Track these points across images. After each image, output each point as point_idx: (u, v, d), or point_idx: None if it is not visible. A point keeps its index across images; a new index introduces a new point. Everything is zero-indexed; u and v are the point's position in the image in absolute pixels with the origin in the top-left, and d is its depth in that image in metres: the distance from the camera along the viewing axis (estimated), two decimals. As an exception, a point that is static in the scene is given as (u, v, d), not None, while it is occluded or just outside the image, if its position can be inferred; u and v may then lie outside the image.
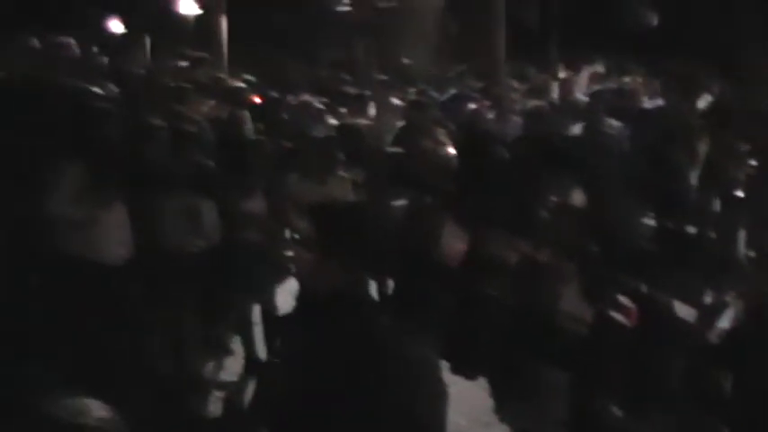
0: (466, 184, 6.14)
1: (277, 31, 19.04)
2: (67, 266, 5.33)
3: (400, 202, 6.23)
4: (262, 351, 6.84)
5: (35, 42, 7.58)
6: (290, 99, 10.25)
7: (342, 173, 6.94)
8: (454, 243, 5.60)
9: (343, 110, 9.99)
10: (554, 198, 5.57)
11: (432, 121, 8.53)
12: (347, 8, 15.55)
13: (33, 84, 5.74)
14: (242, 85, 9.71)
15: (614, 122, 7.72)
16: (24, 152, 5.08)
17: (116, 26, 27.60)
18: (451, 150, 7.10)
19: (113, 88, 6.78)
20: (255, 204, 6.79)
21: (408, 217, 5.95)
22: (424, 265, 5.61)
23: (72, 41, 7.64)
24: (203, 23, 18.05)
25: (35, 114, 5.23)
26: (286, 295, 6.63)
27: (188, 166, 6.13)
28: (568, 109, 9.18)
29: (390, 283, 6.23)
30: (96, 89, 5.81)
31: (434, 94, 11.78)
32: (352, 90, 11.29)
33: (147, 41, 11.24)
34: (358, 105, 10.08)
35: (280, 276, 7.18)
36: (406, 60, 16.49)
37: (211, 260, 6.23)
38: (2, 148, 4.99)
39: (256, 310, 7.02)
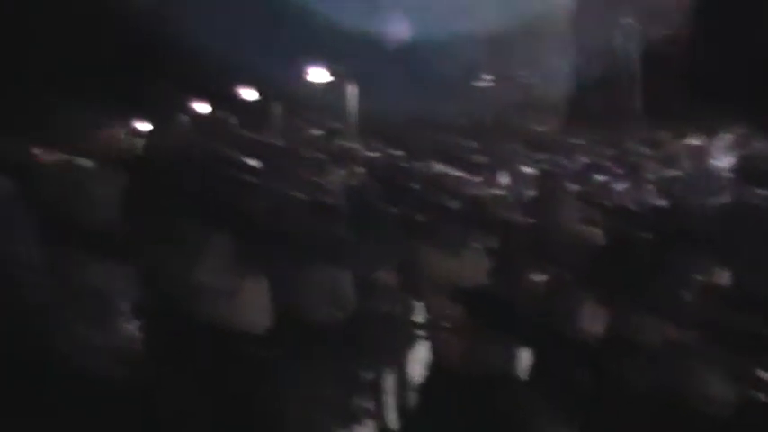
0: (605, 260, 6.05)
1: (403, 97, 19.38)
2: (210, 333, 5.46)
3: (537, 277, 6.18)
4: (395, 420, 6.87)
5: (185, 115, 7.89)
6: (420, 166, 10.35)
7: (475, 245, 6.93)
8: (593, 322, 5.51)
9: (473, 178, 10.01)
10: (697, 276, 5.44)
11: (565, 191, 8.46)
12: (489, 84, 15.72)
13: (183, 154, 5.97)
14: (375, 154, 9.88)
15: (761, 192, 7.48)
16: (174, 221, 5.25)
17: (248, 94, 28.64)
18: (588, 224, 7.03)
19: (255, 159, 6.98)
20: (389, 275, 6.87)
21: (546, 293, 5.89)
22: (562, 343, 5.53)
23: (221, 114, 7.94)
24: (333, 91, 18.52)
25: (185, 185, 5.42)
26: (417, 364, 6.65)
27: (326, 237, 6.25)
28: (708, 178, 8.98)
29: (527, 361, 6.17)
30: (243, 160, 6.00)
31: (565, 163, 11.73)
32: (480, 158, 11.34)
33: (278, 108, 11.58)
34: (488, 174, 10.12)
35: (412, 346, 7.22)
36: (536, 127, 16.51)
37: (347, 330, 6.31)
38: (153, 217, 5.18)
39: (390, 380, 7.08)
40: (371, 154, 9.87)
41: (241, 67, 27.11)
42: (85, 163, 5.46)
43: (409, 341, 7.27)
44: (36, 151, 5.53)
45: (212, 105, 29.17)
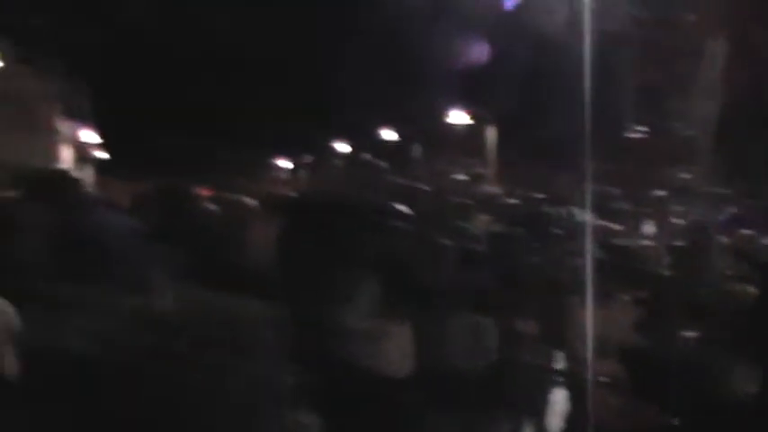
0: (757, 317, 5.86)
1: (543, 142, 19.26)
2: (354, 377, 5.53)
3: (688, 334, 6.03)
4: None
5: (337, 159, 8.06)
6: (564, 214, 10.24)
7: (623, 296, 6.83)
8: (746, 383, 5.33)
9: (619, 227, 9.86)
10: None
11: (714, 244, 8.25)
12: (644, 136, 15.52)
13: (335, 200, 6.09)
14: (516, 201, 9.85)
15: None
16: (324, 265, 5.36)
17: (389, 134, 29.01)
18: (738, 278, 6.82)
19: (404, 204, 7.07)
20: (532, 324, 6.83)
21: (697, 351, 5.74)
22: (712, 404, 5.37)
23: (370, 158, 8.08)
24: (472, 133, 18.55)
25: (335, 229, 5.53)
26: (556, 416, 6.57)
27: (471, 284, 6.26)
28: None
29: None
30: (393, 206, 6.09)
31: (711, 214, 11.42)
32: (624, 206, 11.15)
33: (419, 150, 11.67)
34: (634, 223, 9.95)
35: (553, 397, 7.14)
36: (682, 176, 16.13)
37: (488, 378, 6.28)
38: (304, 260, 5.30)
39: (529, 430, 7.01)
40: (513, 200, 9.85)
41: (382, 108, 27.54)
42: (246, 203, 5.65)
43: (549, 392, 7.19)
44: (198, 190, 5.75)
45: (354, 146, 29.73)
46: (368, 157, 8.26)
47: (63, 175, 4.67)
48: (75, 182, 4.98)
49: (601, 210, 10.74)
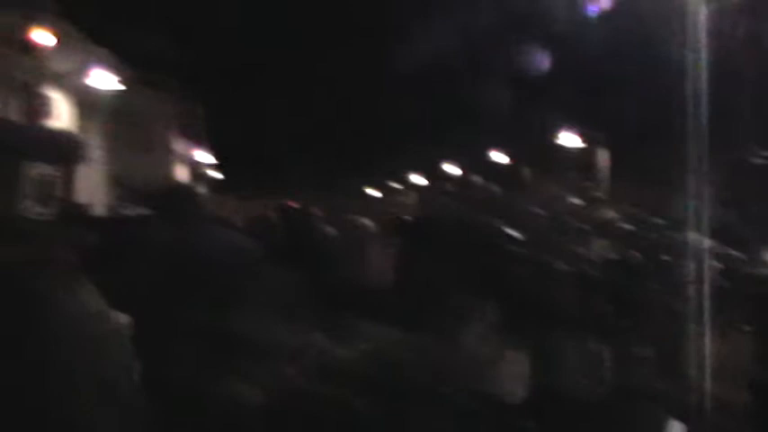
0: None
1: (659, 165, 18.87)
2: (470, 400, 5.53)
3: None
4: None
5: (448, 181, 8.08)
6: (680, 239, 10.00)
7: (745, 327, 6.67)
8: None
9: (735, 254, 9.58)
10: None
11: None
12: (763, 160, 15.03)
13: (450, 223, 6.12)
14: (632, 227, 9.66)
15: None
16: (441, 289, 5.39)
17: (498, 156, 28.89)
18: None
19: (518, 228, 7.04)
20: (646, 350, 6.71)
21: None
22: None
23: (482, 181, 8.08)
24: (586, 156, 18.30)
25: (452, 253, 5.56)
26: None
27: (587, 310, 6.19)
28: None
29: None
30: (507, 230, 6.08)
31: None
32: (744, 232, 10.82)
33: (528, 172, 11.57)
34: (756, 250, 9.65)
35: (669, 425, 6.97)
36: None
37: (604, 405, 6.19)
38: (422, 283, 5.34)
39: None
40: (629, 225, 9.67)
41: (492, 129, 27.46)
42: (363, 224, 5.72)
43: (665, 421, 7.04)
44: (315, 210, 5.85)
45: (464, 168, 29.69)
46: (480, 179, 8.25)
47: (188, 191, 4.76)
48: (197, 199, 5.06)
49: (720, 236, 10.45)
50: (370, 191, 44.93)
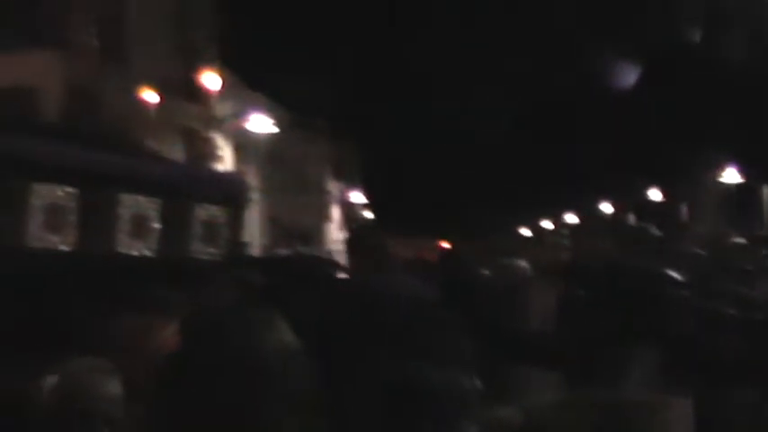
0: None
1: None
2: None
3: None
4: None
5: (602, 222, 7.94)
6: None
7: None
8: None
9: None
10: None
11: None
12: None
13: (611, 266, 6.02)
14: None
15: None
16: (603, 334, 5.30)
17: (654, 194, 28.20)
18: None
19: (679, 270, 6.86)
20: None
21: None
22: None
23: (639, 221, 7.93)
24: (746, 193, 17.66)
25: (614, 298, 5.46)
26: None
27: (755, 356, 5.96)
28: None
29: None
30: (668, 272, 5.93)
31: None
32: None
33: (684, 209, 11.24)
34: None
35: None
36: None
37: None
38: (583, 328, 5.26)
39: None
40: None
41: (647, 167, 26.85)
42: (522, 267, 5.69)
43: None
44: (472, 253, 5.87)
45: (618, 207, 29.14)
46: (636, 219, 8.08)
47: (371, 232, 4.68)
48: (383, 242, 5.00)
49: None
50: (524, 231, 44.60)
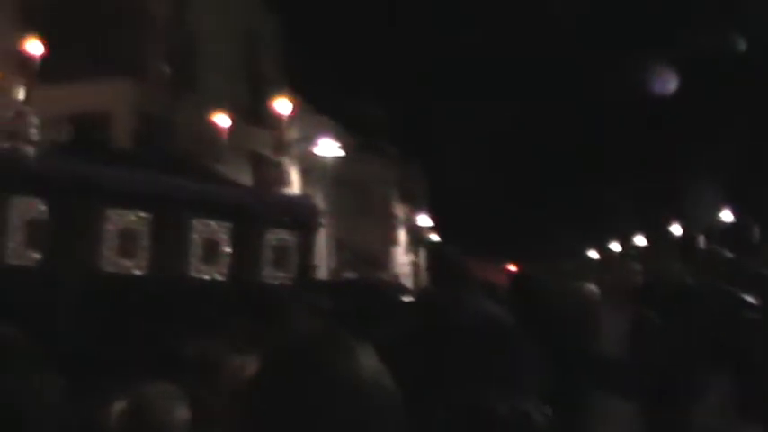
0: None
1: None
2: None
3: None
4: None
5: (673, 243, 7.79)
6: None
7: None
8: None
9: None
10: None
11: None
12: None
13: (686, 290, 5.93)
14: None
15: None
16: (679, 358, 5.21)
17: (725, 215, 27.59)
18: None
19: (750, 293, 6.71)
20: None
21: None
22: None
23: (710, 244, 7.76)
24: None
25: (690, 321, 5.37)
26: None
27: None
28: None
29: None
30: (745, 296, 5.80)
31: None
32: None
33: (756, 231, 10.94)
34: None
35: None
36: None
37: None
38: (658, 353, 5.19)
39: None
40: None
41: (718, 187, 26.38)
42: (592, 291, 5.63)
43: None
44: (544, 276, 5.80)
45: (688, 229, 28.51)
46: (707, 241, 7.93)
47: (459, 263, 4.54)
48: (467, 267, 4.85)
49: None
50: (593, 253, 44.01)
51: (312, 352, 1.68)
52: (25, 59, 6.30)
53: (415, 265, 36.51)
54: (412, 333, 3.85)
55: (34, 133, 6.23)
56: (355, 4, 28.60)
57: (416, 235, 38.25)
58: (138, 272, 6.69)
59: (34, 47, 6.38)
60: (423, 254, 37.64)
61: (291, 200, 8.22)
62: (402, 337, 3.79)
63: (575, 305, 5.30)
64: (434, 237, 39.90)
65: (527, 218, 40.06)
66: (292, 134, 17.99)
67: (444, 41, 34.68)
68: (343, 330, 1.78)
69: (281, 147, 8.44)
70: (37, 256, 6.13)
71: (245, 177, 10.71)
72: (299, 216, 7.72)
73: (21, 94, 6.22)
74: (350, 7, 27.65)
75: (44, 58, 6.37)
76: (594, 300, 5.86)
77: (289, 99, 8.59)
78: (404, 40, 31.51)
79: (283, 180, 8.04)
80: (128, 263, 6.67)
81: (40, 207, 6.14)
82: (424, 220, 38.59)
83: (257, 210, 7.38)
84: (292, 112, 8.59)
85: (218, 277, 7.09)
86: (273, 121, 8.55)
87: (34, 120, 6.23)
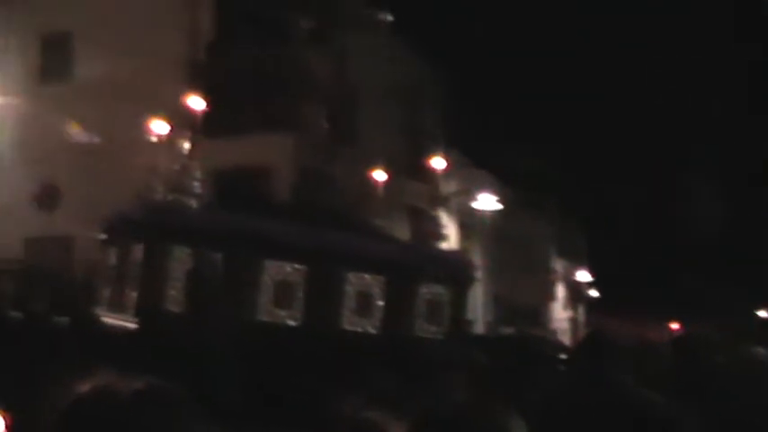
0: None
1: None
2: None
3: None
4: None
5: None
6: None
7: None
8: None
9: None
10: None
11: None
12: None
13: None
14: None
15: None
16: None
17: None
18: None
19: None
20: None
21: None
22: None
23: None
24: None
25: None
26: None
27: None
28: None
29: None
30: None
31: None
32: None
33: None
34: None
35: None
36: None
37: None
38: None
39: None
40: None
41: None
42: (764, 355, 5.30)
43: None
44: (711, 338, 5.50)
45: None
46: None
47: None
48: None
49: None
50: (762, 313, 41.95)
51: (466, 424, 1.60)
52: (189, 115, 6.53)
53: (573, 321, 35.73)
54: (560, 403, 3.69)
55: (197, 186, 6.43)
56: (519, 60, 28.65)
57: (575, 290, 37.44)
58: (292, 322, 6.76)
59: (197, 103, 6.60)
60: (581, 310, 36.84)
61: (446, 255, 8.18)
62: (552, 406, 3.65)
63: (745, 371, 4.97)
64: (594, 293, 39.03)
65: (690, 274, 38.64)
66: (451, 188, 18.02)
67: (608, 98, 34.23)
68: (497, 401, 1.69)
69: (437, 200, 8.42)
70: (193, 305, 6.26)
71: (403, 231, 10.76)
72: (453, 271, 7.65)
73: (185, 148, 6.43)
74: (513, 62, 27.71)
75: (207, 113, 6.58)
76: (762, 366, 5.48)
77: (447, 153, 8.59)
78: (567, 95, 31.29)
79: (439, 234, 8.00)
80: (283, 313, 6.75)
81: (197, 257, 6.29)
82: (583, 275, 37.79)
83: (411, 264, 7.36)
84: (450, 165, 8.58)
85: (371, 330, 7.08)
86: (430, 174, 8.55)
87: (197, 173, 6.42)
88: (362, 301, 7.08)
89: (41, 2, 18.81)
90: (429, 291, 7.30)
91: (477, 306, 20.98)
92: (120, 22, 17.38)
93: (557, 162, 32.28)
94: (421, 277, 7.32)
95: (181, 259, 6.28)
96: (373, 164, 8.74)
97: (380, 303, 7.14)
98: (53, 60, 19.14)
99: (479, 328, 20.02)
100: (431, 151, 8.72)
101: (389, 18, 20.91)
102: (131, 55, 16.74)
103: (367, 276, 7.08)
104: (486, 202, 23.11)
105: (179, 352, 5.45)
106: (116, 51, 16.99)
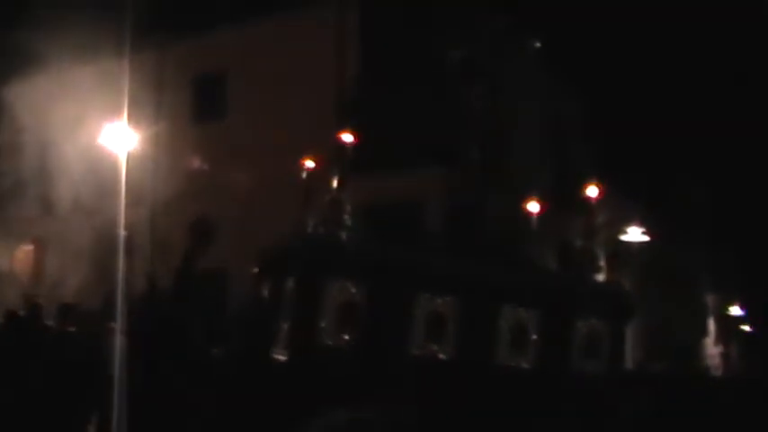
0: None
1: None
2: None
3: None
4: None
5: None
6: None
7: None
8: None
9: None
10: None
11: None
12: None
13: None
14: None
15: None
16: None
17: None
18: None
19: None
20: None
21: None
22: None
23: None
24: None
25: None
26: None
27: None
28: None
29: None
30: None
31: None
32: None
33: None
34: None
35: None
36: None
37: None
38: None
39: None
40: None
41: None
42: None
43: None
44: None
45: None
46: None
47: None
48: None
49: None
50: None
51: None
52: (340, 148, 6.60)
53: (725, 356, 34.58)
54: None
55: (347, 219, 6.49)
56: (671, 90, 27.97)
57: (727, 325, 36.17)
58: (443, 356, 6.69)
59: (348, 137, 6.67)
60: (734, 345, 35.56)
61: (603, 287, 7.97)
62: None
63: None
64: (746, 328, 37.66)
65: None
66: (602, 219, 17.66)
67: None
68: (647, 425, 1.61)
69: (591, 232, 8.23)
70: (347, 337, 6.29)
71: (555, 263, 10.60)
72: (611, 304, 7.44)
73: (335, 182, 6.51)
74: (666, 93, 27.07)
75: (359, 148, 6.64)
76: None
77: (599, 184, 8.41)
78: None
79: (593, 266, 7.82)
80: (434, 347, 6.69)
81: (351, 290, 6.31)
82: (735, 309, 36.52)
83: (567, 297, 7.20)
84: (600, 196, 8.39)
85: (525, 365, 6.94)
86: (583, 206, 8.40)
87: (347, 206, 6.49)
88: (516, 334, 6.96)
89: (196, 44, 19.57)
90: (586, 324, 7.12)
91: (629, 341, 20.43)
92: (272, 62, 17.89)
93: (709, 193, 31.32)
94: (577, 311, 7.15)
95: (334, 292, 6.32)
96: (525, 195, 8.64)
97: (534, 337, 6.99)
98: (206, 100, 19.86)
99: (629, 363, 19.51)
100: (582, 181, 8.56)
101: (537, 45, 20.71)
102: (282, 93, 17.20)
103: (521, 310, 6.95)
104: (636, 233, 22.65)
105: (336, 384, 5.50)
106: (268, 90, 17.49)
